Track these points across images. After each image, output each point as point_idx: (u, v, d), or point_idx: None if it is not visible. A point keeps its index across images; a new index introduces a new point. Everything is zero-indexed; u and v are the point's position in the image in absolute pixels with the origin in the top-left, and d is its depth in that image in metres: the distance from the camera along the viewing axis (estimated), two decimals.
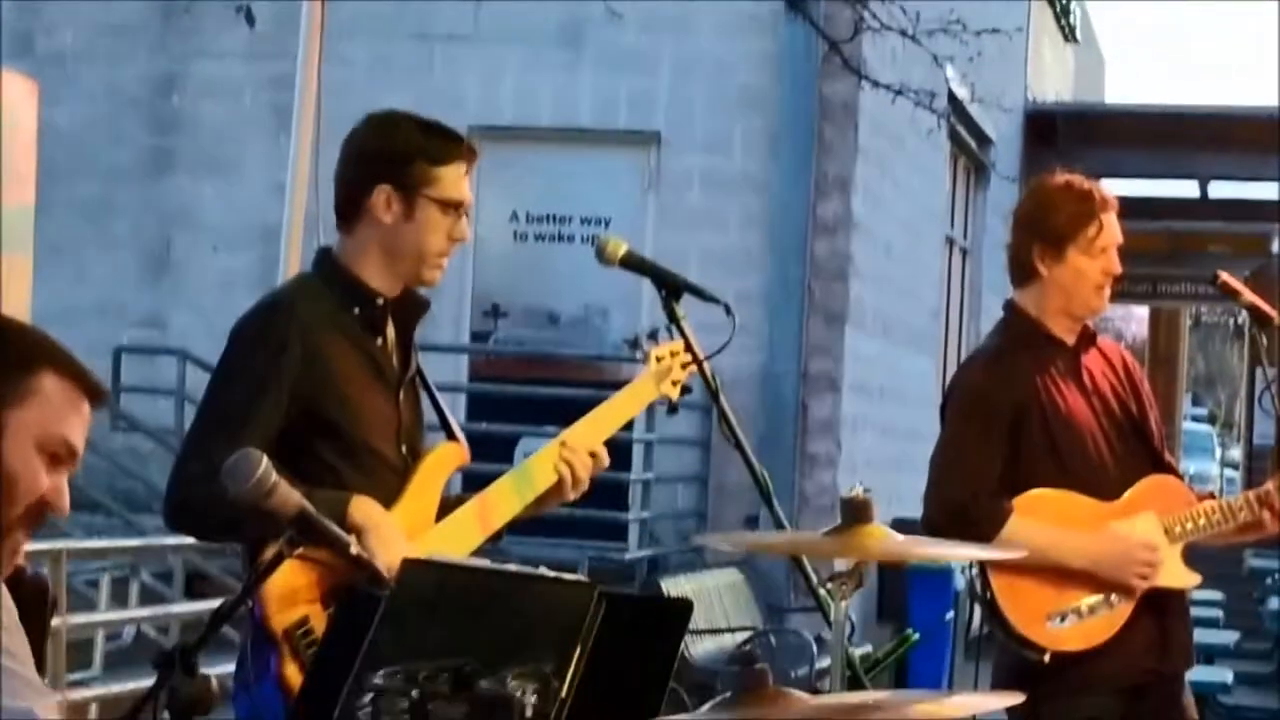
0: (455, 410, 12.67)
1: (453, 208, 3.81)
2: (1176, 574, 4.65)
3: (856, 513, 2.89)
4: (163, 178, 13.44)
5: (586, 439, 3.96)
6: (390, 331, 3.88)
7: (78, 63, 13.17)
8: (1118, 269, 4.73)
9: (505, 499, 3.90)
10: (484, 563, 3.22)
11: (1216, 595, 16.01)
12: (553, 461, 3.91)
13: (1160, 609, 4.62)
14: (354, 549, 2.78)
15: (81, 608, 8.55)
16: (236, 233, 13.13)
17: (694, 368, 4.13)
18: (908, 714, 2.12)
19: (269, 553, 3.49)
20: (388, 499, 3.72)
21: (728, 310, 3.94)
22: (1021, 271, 4.74)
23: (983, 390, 4.66)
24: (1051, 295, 4.69)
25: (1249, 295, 4.94)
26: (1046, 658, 4.48)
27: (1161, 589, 4.61)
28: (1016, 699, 2.70)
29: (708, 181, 12.87)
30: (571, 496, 3.96)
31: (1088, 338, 4.77)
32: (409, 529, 3.71)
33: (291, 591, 3.57)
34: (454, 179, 3.82)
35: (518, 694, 2.73)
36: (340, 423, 3.71)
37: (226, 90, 13.34)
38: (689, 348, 4.00)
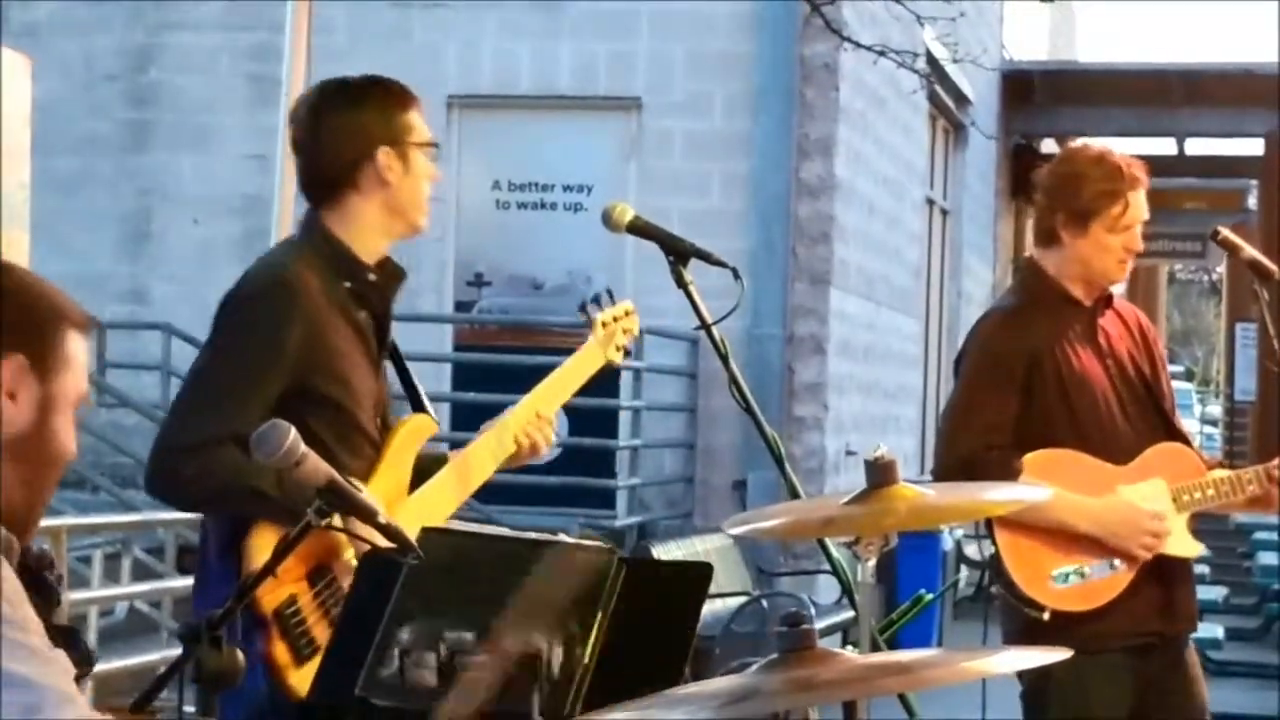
0: (440, 380, 12.75)
1: (431, 147, 3.92)
2: (1182, 543, 4.65)
3: (881, 474, 2.87)
4: (141, 150, 13.36)
5: (547, 406, 4.00)
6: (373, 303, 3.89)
7: (53, 36, 13.07)
8: (1140, 246, 4.73)
9: (465, 475, 3.93)
10: (504, 530, 3.21)
11: (1203, 551, 16.04)
12: (512, 432, 3.94)
13: (1165, 573, 4.62)
14: (383, 517, 2.77)
15: (74, 584, 8.52)
16: (216, 204, 13.08)
17: (634, 332, 4.23)
18: (959, 671, 2.11)
19: (253, 531, 3.55)
20: (366, 471, 3.73)
21: (736, 274, 3.94)
22: (1044, 235, 4.75)
23: (997, 344, 4.67)
24: (1071, 262, 4.70)
25: (1249, 250, 4.93)
26: (1046, 616, 4.49)
27: (1166, 556, 4.62)
28: (1064, 654, 2.69)
29: (689, 145, 12.83)
30: (526, 461, 4.02)
31: (1105, 299, 4.77)
32: (384, 501, 3.70)
33: (280, 571, 3.51)
34: (420, 121, 3.92)
35: (544, 649, 2.73)
36: (335, 399, 3.71)
37: (204, 62, 13.26)
38: (697, 312, 3.98)
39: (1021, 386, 4.59)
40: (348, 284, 3.80)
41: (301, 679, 3.51)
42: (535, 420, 3.97)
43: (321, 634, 3.58)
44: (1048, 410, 4.59)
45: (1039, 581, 4.52)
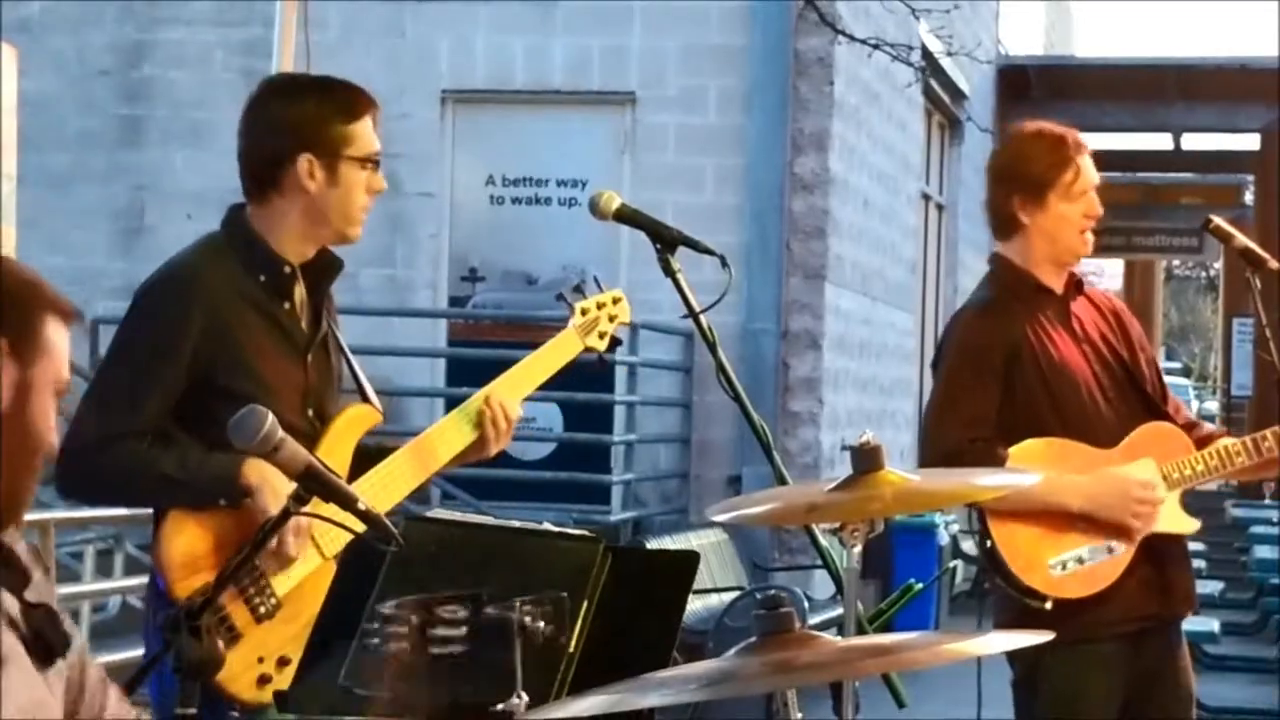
0: (435, 375, 12.73)
1: (371, 163, 3.85)
2: (1175, 519, 4.64)
3: (867, 460, 2.85)
4: (134, 146, 13.33)
5: (508, 395, 3.95)
6: (299, 294, 3.88)
7: (45, 32, 13.05)
8: (1099, 210, 4.74)
9: (423, 456, 3.89)
10: (488, 519, 3.19)
11: (1198, 545, 16.05)
12: (471, 418, 3.91)
13: (1160, 554, 4.61)
14: (363, 504, 2.74)
15: (67, 579, 8.50)
16: (209, 200, 12.95)
17: (623, 320, 4.15)
18: (940, 653, 2.08)
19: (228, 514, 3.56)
20: None
21: (723, 263, 3.91)
22: (1004, 224, 4.75)
23: (974, 338, 4.66)
24: (1036, 244, 4.70)
25: (1242, 239, 4.92)
26: (1049, 605, 4.46)
27: (1160, 535, 4.60)
28: (1045, 637, 2.67)
29: (683, 140, 12.81)
30: (493, 452, 3.96)
31: (1075, 285, 4.77)
32: None
33: (193, 559, 3.62)
34: (366, 133, 3.85)
35: (527, 619, 2.71)
36: (243, 391, 3.67)
37: (196, 57, 13.24)
38: (684, 300, 3.95)
39: (1001, 378, 4.58)
40: (262, 277, 3.80)
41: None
42: (500, 405, 3.92)
43: (243, 621, 3.60)
44: (1030, 400, 4.58)
45: (1037, 570, 4.49)
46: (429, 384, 12.73)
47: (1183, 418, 4.83)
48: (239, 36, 12.83)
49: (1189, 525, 4.67)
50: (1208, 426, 4.95)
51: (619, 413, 12.33)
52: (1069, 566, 4.51)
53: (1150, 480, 4.57)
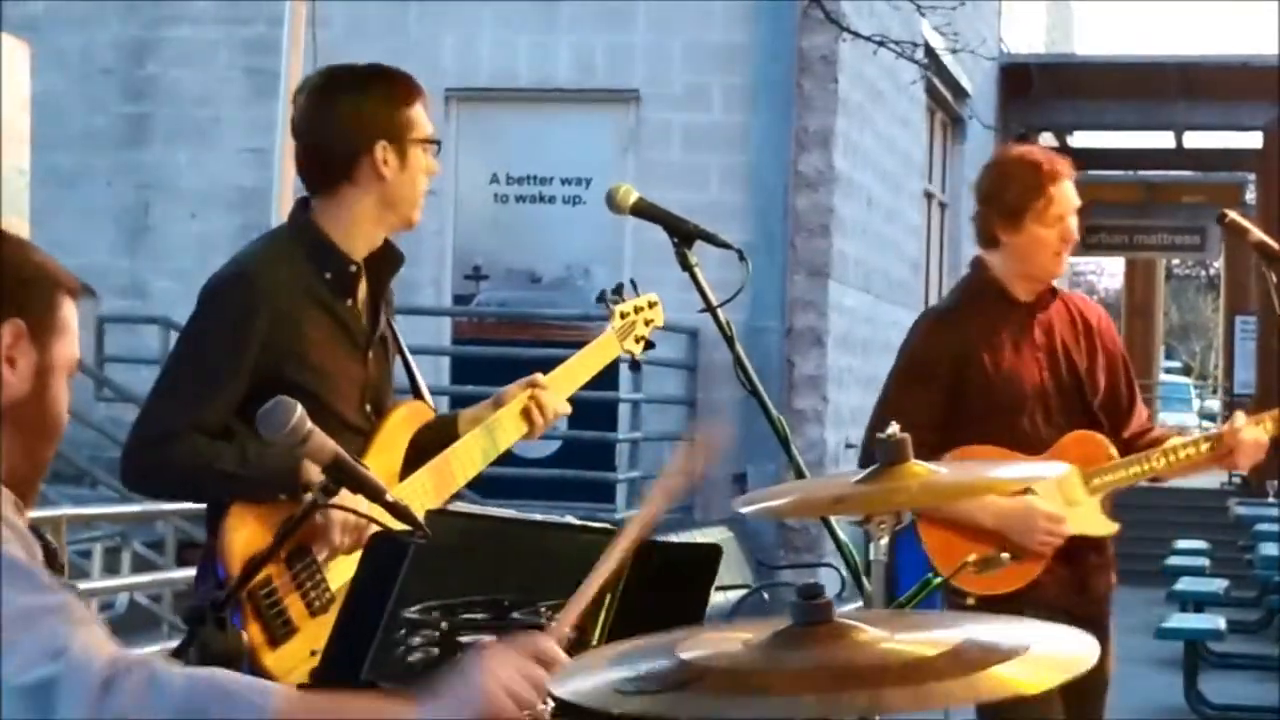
0: (439, 373, 12.72)
1: (432, 144, 3.89)
2: (1093, 522, 4.78)
3: (893, 452, 2.84)
4: (139, 145, 13.34)
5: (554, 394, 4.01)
6: (363, 290, 3.88)
7: (51, 30, 13.04)
8: (1074, 236, 4.87)
9: (470, 455, 3.92)
10: (509, 512, 3.18)
11: (1202, 544, 16.05)
12: (517, 416, 3.96)
13: (1080, 557, 4.77)
14: (390, 495, 2.74)
15: (74, 577, 8.48)
16: (214, 198, 13.04)
17: (658, 324, 4.20)
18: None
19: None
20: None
21: (741, 256, 3.91)
22: (986, 239, 4.92)
23: (923, 347, 4.83)
24: (1011, 261, 4.85)
25: (1257, 233, 4.94)
26: (971, 600, 4.58)
27: (1080, 539, 4.73)
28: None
29: (687, 138, 12.81)
30: (535, 438, 4.04)
31: (1049, 293, 4.91)
32: None
33: (256, 551, 3.56)
34: (423, 116, 3.90)
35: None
36: (305, 387, 3.68)
37: (201, 56, 13.24)
38: (702, 294, 3.94)
39: (947, 387, 4.74)
40: (328, 274, 3.81)
41: (277, 660, 3.53)
42: (542, 401, 3.97)
43: (298, 614, 3.60)
44: (976, 410, 4.73)
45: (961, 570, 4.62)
46: (433, 382, 12.64)
47: (1139, 424, 4.94)
48: (244, 35, 12.83)
49: (1107, 528, 4.82)
50: (1158, 432, 5.03)
51: (623, 410, 12.33)
52: (989, 567, 4.62)
53: (1058, 515, 4.71)
